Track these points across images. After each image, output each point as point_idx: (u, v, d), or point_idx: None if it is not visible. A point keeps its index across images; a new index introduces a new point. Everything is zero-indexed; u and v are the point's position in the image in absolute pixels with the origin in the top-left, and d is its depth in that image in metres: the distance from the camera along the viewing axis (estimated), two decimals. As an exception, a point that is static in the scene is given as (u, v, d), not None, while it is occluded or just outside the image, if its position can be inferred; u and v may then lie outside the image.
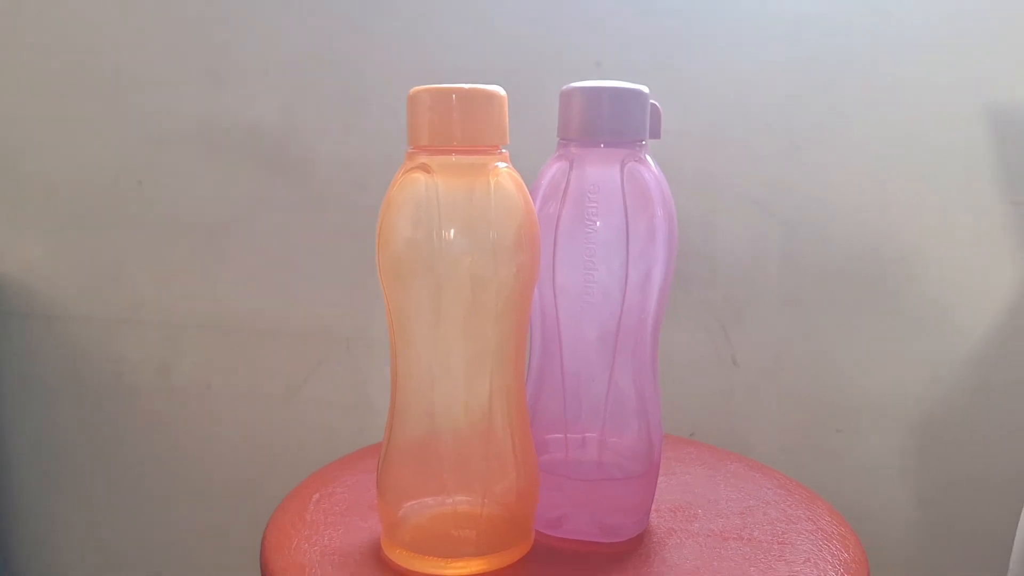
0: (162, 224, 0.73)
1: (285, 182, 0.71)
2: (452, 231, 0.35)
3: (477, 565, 0.37)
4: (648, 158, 0.38)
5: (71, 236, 0.74)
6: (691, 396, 0.71)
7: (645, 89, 0.37)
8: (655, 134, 0.39)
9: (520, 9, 0.65)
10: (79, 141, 0.73)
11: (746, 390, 0.71)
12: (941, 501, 0.71)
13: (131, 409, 0.76)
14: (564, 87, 0.38)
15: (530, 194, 0.37)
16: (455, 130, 0.34)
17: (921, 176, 0.66)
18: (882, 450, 0.71)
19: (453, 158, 0.35)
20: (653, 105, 0.38)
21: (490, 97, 0.35)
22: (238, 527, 0.77)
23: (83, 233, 0.74)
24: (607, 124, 0.37)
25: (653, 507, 0.43)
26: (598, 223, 0.38)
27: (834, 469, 0.71)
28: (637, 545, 0.40)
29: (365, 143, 0.69)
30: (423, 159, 0.35)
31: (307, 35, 0.69)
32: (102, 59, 0.71)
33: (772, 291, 0.69)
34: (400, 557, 0.38)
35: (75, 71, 0.71)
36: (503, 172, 0.36)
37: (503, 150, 0.36)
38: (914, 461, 0.71)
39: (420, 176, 0.35)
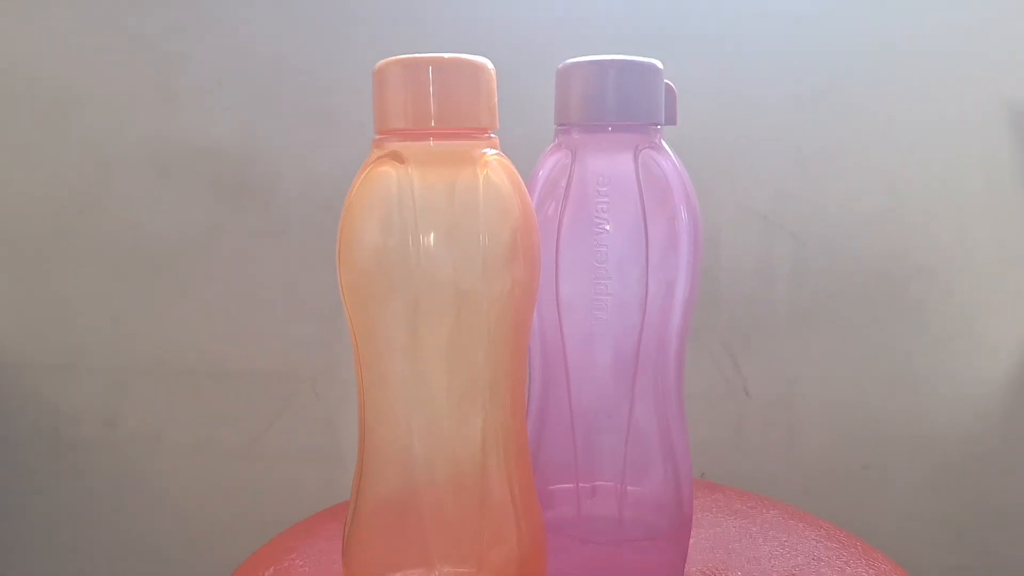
0: (109, 257, 0.66)
1: (245, 207, 0.64)
2: (432, 236, 0.28)
3: (473, 657, 0.30)
4: (665, 145, 0.32)
5: (7, 272, 0.67)
6: (698, 432, 0.64)
7: (659, 63, 0.31)
8: (671, 119, 0.32)
9: (506, 27, 0.60)
10: (16, 166, 0.66)
11: (760, 423, 0.65)
12: (982, 540, 0.65)
13: (72, 465, 0.68)
14: (562, 63, 0.32)
15: (527, 193, 0.30)
16: (433, 108, 0.27)
17: (938, 185, 0.63)
18: (914, 487, 0.65)
19: (431, 144, 0.28)
20: (668, 85, 0.32)
21: (475, 68, 0.28)
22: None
23: (21, 269, 0.67)
24: (615, 103, 0.30)
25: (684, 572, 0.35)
26: (608, 225, 0.31)
27: (864, 511, 0.64)
28: (667, 620, 0.33)
29: (333, 162, 0.63)
30: (394, 145, 0.28)
31: (267, 44, 0.63)
32: (42, 77, 0.64)
33: (781, 311, 0.64)
34: (375, 649, 0.30)
35: (12, 90, 0.65)
36: (493, 162, 0.29)
37: (492, 136, 0.29)
38: (949, 497, 0.65)
39: (390, 169, 0.28)
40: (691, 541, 0.39)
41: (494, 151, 0.29)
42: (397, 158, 0.28)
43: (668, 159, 0.31)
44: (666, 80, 0.32)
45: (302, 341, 0.65)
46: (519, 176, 0.29)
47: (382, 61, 0.28)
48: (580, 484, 0.34)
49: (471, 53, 0.29)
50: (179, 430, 0.67)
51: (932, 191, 0.63)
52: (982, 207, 0.63)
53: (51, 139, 0.65)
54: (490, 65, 0.29)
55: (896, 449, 0.66)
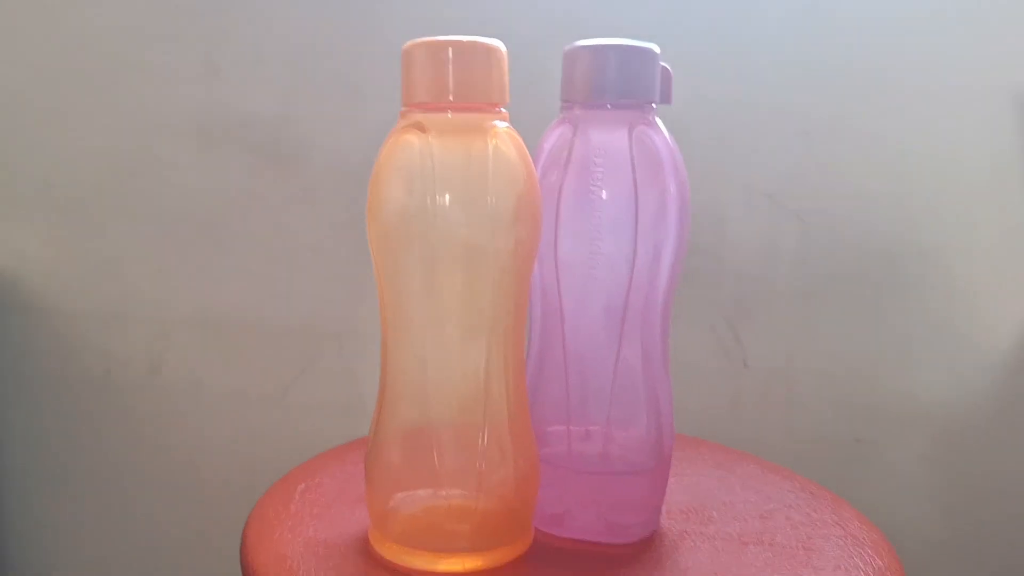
0: (155, 217, 0.71)
1: (280, 174, 0.69)
2: (447, 197, 0.32)
3: (471, 561, 0.34)
4: (659, 122, 0.35)
5: (63, 230, 0.72)
6: (698, 401, 0.68)
7: (655, 47, 0.35)
8: (666, 99, 0.36)
9: (520, 11, 0.64)
10: (72, 133, 0.71)
11: (757, 395, 0.68)
12: (969, 513, 0.68)
13: (120, 406, 0.74)
14: (568, 46, 0.35)
15: (532, 162, 0.35)
16: (451, 84, 0.32)
17: (941, 167, 0.64)
18: (905, 459, 0.68)
19: (449, 115, 0.32)
20: (663, 67, 0.36)
21: (488, 51, 0.32)
22: (225, 528, 0.74)
23: (75, 227, 0.72)
24: (614, 84, 0.34)
25: (663, 509, 0.40)
26: (604, 193, 0.35)
27: (854, 480, 0.67)
28: (647, 547, 0.37)
29: (361, 134, 0.67)
30: (417, 117, 0.33)
31: (304, 24, 0.67)
32: (95, 50, 0.69)
33: (784, 289, 0.66)
34: (389, 551, 0.35)
35: (68, 61, 0.70)
36: (503, 133, 0.33)
37: (502, 110, 0.34)
38: (939, 471, 0.67)
39: (413, 138, 0.33)
40: (672, 486, 0.43)
41: (504, 124, 0.33)
42: (420, 127, 0.32)
43: (660, 135, 0.35)
44: (662, 63, 0.36)
45: (329, 299, 0.70)
46: (525, 146, 0.34)
47: (408, 42, 0.33)
48: (571, 426, 0.38)
49: (488, 34, 0.33)
50: (216, 378, 0.72)
51: (936, 174, 0.64)
52: (986, 191, 0.64)
53: (103, 107, 0.70)
54: (503, 47, 0.33)
55: (889, 424, 0.68)
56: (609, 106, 0.35)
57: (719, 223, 0.66)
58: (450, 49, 0.32)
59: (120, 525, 0.77)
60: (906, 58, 0.62)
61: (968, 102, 0.63)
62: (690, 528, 0.39)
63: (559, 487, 0.37)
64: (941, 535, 0.68)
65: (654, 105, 0.35)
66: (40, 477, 0.77)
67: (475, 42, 0.32)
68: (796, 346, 0.67)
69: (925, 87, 0.63)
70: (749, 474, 0.46)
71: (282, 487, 0.41)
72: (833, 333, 0.67)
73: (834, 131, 0.64)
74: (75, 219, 0.72)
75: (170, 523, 0.76)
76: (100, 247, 0.72)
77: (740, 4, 0.63)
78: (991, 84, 0.62)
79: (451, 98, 0.32)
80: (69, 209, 0.72)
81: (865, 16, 0.62)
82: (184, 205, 0.70)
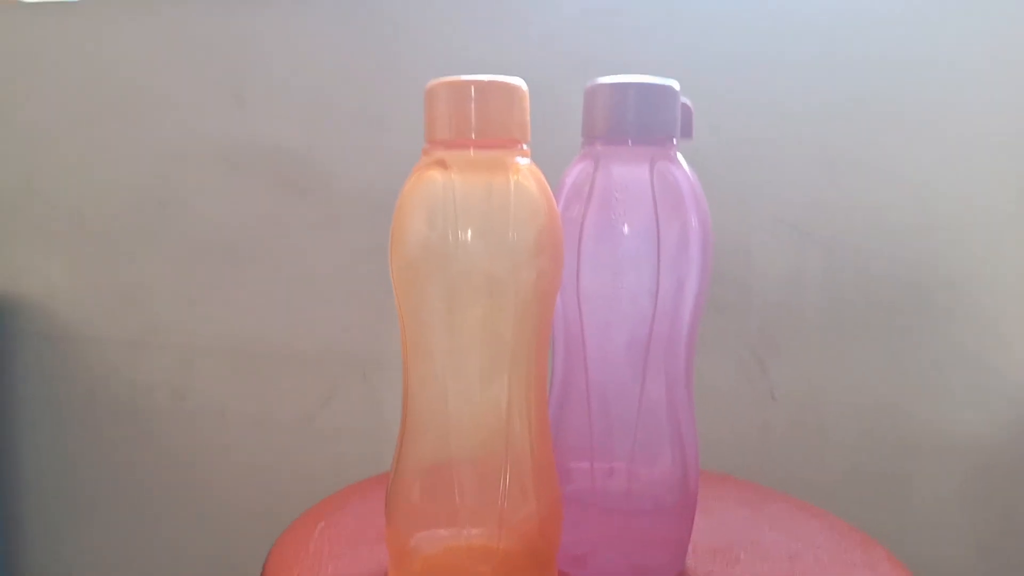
0: (183, 246, 0.72)
1: (305, 203, 0.70)
2: (469, 231, 0.32)
3: (492, 603, 0.34)
4: (680, 158, 0.35)
5: (93, 258, 0.74)
6: (725, 433, 0.67)
7: (675, 84, 0.35)
8: (687, 133, 0.36)
9: (544, 35, 0.64)
10: (103, 162, 0.73)
11: (785, 427, 0.67)
12: (1005, 551, 0.65)
13: (145, 433, 0.75)
14: (589, 84, 0.36)
15: (553, 197, 0.34)
16: (473, 123, 0.32)
17: (968, 197, 0.63)
18: (937, 495, 0.66)
19: (471, 152, 0.33)
20: (684, 103, 0.36)
21: (510, 90, 0.32)
22: (246, 556, 0.74)
23: (105, 255, 0.73)
24: (634, 120, 0.34)
25: (689, 548, 0.39)
26: (626, 227, 0.35)
27: (884, 515, 0.66)
28: (671, 587, 0.36)
29: (384, 165, 0.68)
30: (440, 154, 0.33)
31: (329, 57, 0.68)
32: (127, 82, 0.71)
33: (811, 319, 0.66)
34: (408, 591, 0.34)
35: (101, 94, 0.72)
36: (524, 169, 0.33)
37: (524, 148, 0.34)
38: (973, 506, 0.66)
39: (436, 173, 0.33)
40: (699, 525, 0.42)
41: (525, 160, 0.33)
42: (442, 164, 0.33)
43: (681, 170, 0.35)
44: (683, 99, 0.36)
45: (353, 328, 0.70)
46: (546, 182, 0.34)
47: (432, 81, 0.33)
48: (596, 463, 0.37)
49: (509, 71, 0.33)
50: (240, 405, 0.73)
51: (962, 205, 0.63)
52: (1012, 222, 0.63)
53: (133, 137, 0.72)
54: (524, 86, 0.33)
55: (920, 458, 0.66)
56: (630, 142, 0.35)
57: (745, 254, 0.65)
58: (472, 88, 0.32)
59: (144, 551, 0.77)
60: (931, 93, 0.62)
61: (993, 133, 0.62)
62: (717, 569, 0.38)
63: (583, 526, 0.36)
64: (975, 572, 0.66)
65: (675, 140, 0.35)
66: (66, 502, 0.78)
67: (497, 81, 0.32)
68: (824, 377, 0.67)
69: (949, 117, 0.62)
70: (777, 512, 0.45)
71: (301, 525, 0.41)
72: (861, 364, 0.66)
73: (859, 161, 0.64)
74: (104, 248, 0.73)
75: (194, 549, 0.76)
76: (128, 275, 0.73)
77: (765, 38, 0.63)
78: (1016, 119, 0.61)
79: (473, 136, 0.32)
80: (99, 239, 0.73)
81: (889, 47, 0.62)
82: (211, 234, 0.71)
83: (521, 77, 0.33)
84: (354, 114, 0.68)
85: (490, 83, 0.32)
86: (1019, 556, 0.66)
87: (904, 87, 0.63)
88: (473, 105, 0.32)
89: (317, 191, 0.69)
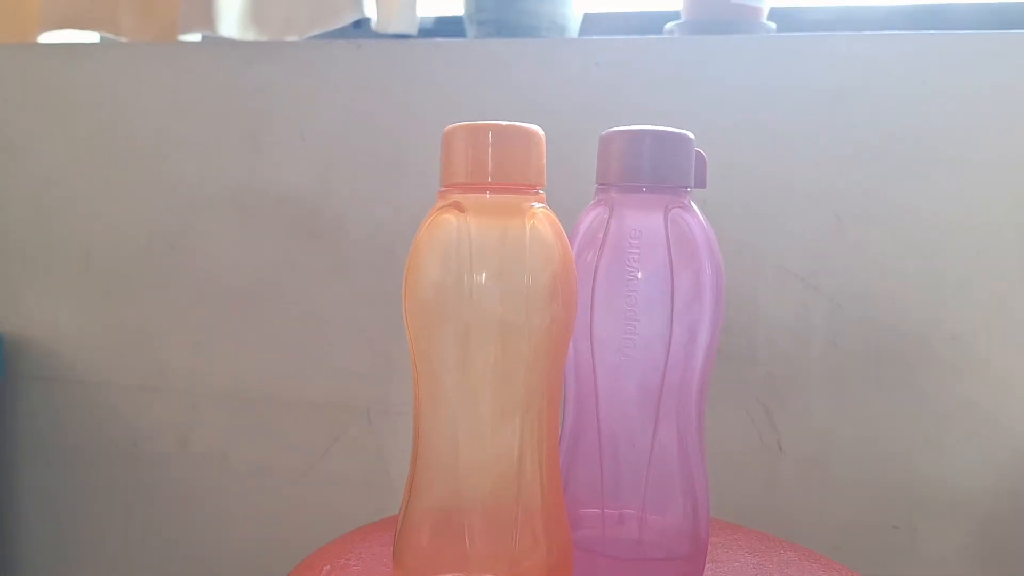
0: (191, 289, 0.72)
1: (315, 248, 0.70)
2: (484, 275, 0.32)
3: (502, 651, 0.33)
4: (694, 206, 0.36)
5: (99, 300, 0.74)
6: (731, 485, 0.66)
7: (690, 134, 0.36)
8: (700, 183, 0.37)
9: (556, 98, 0.66)
10: (113, 205, 0.73)
11: (792, 478, 0.66)
12: (1014, 609, 0.64)
13: (148, 478, 0.74)
14: (604, 132, 0.36)
15: (568, 242, 0.35)
16: (490, 167, 0.32)
17: (972, 252, 0.64)
18: (943, 548, 0.65)
19: (487, 196, 0.33)
20: (698, 153, 0.36)
21: (527, 134, 0.33)
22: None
23: (111, 297, 0.74)
24: (649, 168, 0.35)
25: (699, 596, 0.38)
26: (639, 273, 0.35)
27: (891, 568, 0.65)
28: (682, 639, 0.36)
29: (394, 211, 0.69)
30: (456, 197, 0.33)
31: (342, 103, 0.69)
32: (138, 124, 0.72)
33: (817, 371, 0.66)
34: (415, 639, 0.34)
35: (116, 137, 0.73)
36: (539, 214, 0.33)
37: (540, 192, 0.34)
38: (980, 562, 0.65)
39: (452, 217, 0.33)
40: (709, 572, 0.41)
41: (541, 205, 0.34)
42: (458, 207, 0.33)
43: (696, 218, 0.36)
44: (697, 148, 0.36)
45: (359, 375, 0.70)
46: (561, 227, 0.34)
47: (449, 126, 0.34)
48: (605, 509, 0.37)
49: (525, 118, 0.34)
50: (244, 452, 0.72)
51: (968, 260, 0.64)
52: (1018, 277, 0.64)
53: (146, 181, 0.73)
54: (540, 131, 0.34)
55: (926, 511, 0.66)
56: (645, 189, 0.35)
57: (751, 304, 0.66)
58: (490, 133, 0.33)
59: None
60: (937, 150, 0.63)
61: (1000, 183, 0.63)
62: (728, 620, 0.38)
63: (593, 573, 0.36)
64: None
65: (689, 189, 0.36)
66: (67, 546, 0.77)
67: (515, 126, 0.33)
68: (831, 429, 0.66)
69: (956, 172, 0.63)
70: (786, 562, 0.45)
71: (307, 568, 0.41)
72: (867, 416, 0.66)
73: (866, 213, 0.64)
74: (111, 291, 0.74)
75: (191, 599, 0.75)
76: (136, 319, 0.73)
77: (773, 90, 0.64)
78: (1020, 172, 0.62)
79: (490, 179, 0.33)
80: (106, 281, 0.73)
81: (897, 110, 0.63)
82: (219, 278, 0.72)
83: (536, 123, 0.34)
84: (368, 161, 0.69)
85: (508, 127, 0.33)
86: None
87: (910, 141, 0.63)
88: (490, 149, 0.32)
89: (327, 236, 0.70)
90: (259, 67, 0.70)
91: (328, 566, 0.41)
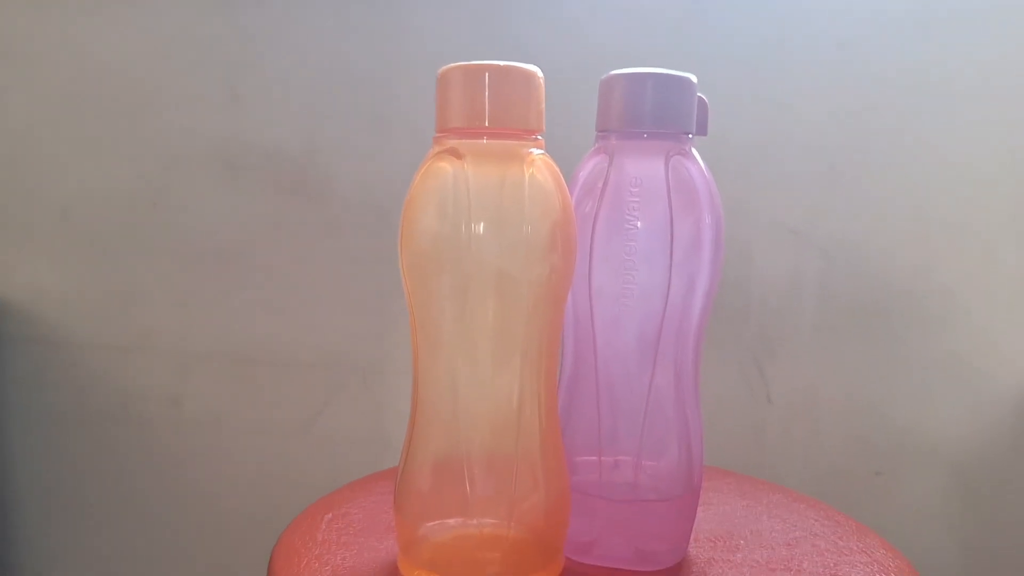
0: (176, 248, 0.70)
1: (303, 206, 0.69)
2: (482, 224, 0.32)
3: (501, 590, 0.34)
4: (695, 153, 0.36)
5: (82, 260, 0.72)
6: (722, 434, 0.67)
7: (693, 77, 0.35)
8: (702, 130, 0.36)
9: (555, 40, 0.64)
10: (93, 161, 0.71)
11: (780, 428, 0.68)
12: (988, 548, 0.66)
13: (139, 440, 0.73)
14: (604, 75, 0.36)
15: (568, 191, 0.35)
16: (488, 110, 0.32)
17: (965, 206, 0.64)
18: (924, 494, 0.67)
19: (484, 141, 0.33)
20: (700, 98, 0.36)
21: (527, 76, 0.32)
22: (247, 562, 0.73)
23: (95, 257, 0.71)
24: (651, 112, 0.34)
25: (690, 537, 0.39)
26: (639, 222, 0.35)
27: (873, 513, 0.67)
28: (675, 575, 0.37)
29: (385, 165, 0.67)
30: (452, 142, 0.33)
31: (329, 55, 0.67)
32: (119, 77, 0.69)
33: (808, 324, 0.66)
34: (418, 580, 0.34)
35: (91, 89, 0.70)
36: (539, 161, 0.33)
37: (539, 137, 0.34)
38: (958, 506, 0.67)
39: (448, 165, 0.33)
40: (701, 515, 0.42)
41: (540, 151, 0.33)
42: (454, 154, 0.32)
43: (696, 166, 0.35)
44: (699, 93, 0.36)
45: (353, 333, 0.69)
46: (561, 175, 0.34)
47: (445, 67, 0.33)
48: (603, 457, 0.38)
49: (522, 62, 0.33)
50: (237, 412, 0.71)
51: (957, 213, 0.64)
52: (1005, 231, 0.64)
53: (126, 137, 0.70)
54: (540, 73, 0.33)
55: (909, 457, 0.67)
56: (645, 135, 0.35)
57: (745, 258, 0.66)
58: (487, 73, 0.32)
59: (140, 559, 0.76)
60: (932, 105, 0.63)
61: (992, 142, 0.63)
62: (718, 555, 0.39)
63: (589, 515, 0.37)
64: (959, 566, 0.67)
65: (691, 135, 0.36)
66: (58, 511, 0.76)
67: (513, 67, 0.32)
68: (818, 380, 0.67)
69: (947, 127, 0.63)
70: (775, 503, 0.46)
71: (309, 516, 0.41)
72: (855, 368, 0.67)
73: (859, 168, 0.65)
74: (94, 250, 0.71)
75: (192, 558, 0.75)
76: (120, 279, 0.71)
77: (771, 43, 0.64)
78: (1012, 126, 0.62)
79: (487, 123, 0.32)
80: (88, 240, 0.71)
81: (896, 64, 0.63)
82: (206, 237, 0.70)
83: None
84: (356, 112, 0.67)
85: (506, 68, 0.32)
86: (1001, 551, 0.67)
87: (904, 97, 0.63)
88: (488, 91, 0.31)
89: (318, 193, 0.69)
90: (239, 14, 0.67)
91: (330, 515, 0.41)
